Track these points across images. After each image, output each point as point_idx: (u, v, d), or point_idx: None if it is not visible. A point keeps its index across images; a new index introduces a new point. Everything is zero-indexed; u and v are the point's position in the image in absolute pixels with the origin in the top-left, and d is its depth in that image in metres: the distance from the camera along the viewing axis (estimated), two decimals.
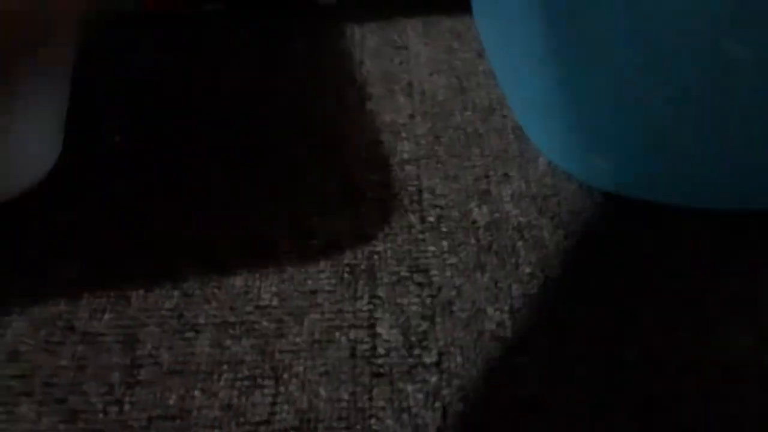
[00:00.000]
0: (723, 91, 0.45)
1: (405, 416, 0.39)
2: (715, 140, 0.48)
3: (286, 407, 0.39)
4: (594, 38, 0.46)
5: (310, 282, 0.46)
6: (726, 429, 0.39)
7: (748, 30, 0.42)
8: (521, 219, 0.51)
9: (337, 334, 0.43)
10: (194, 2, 0.75)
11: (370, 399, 0.40)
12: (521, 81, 0.56)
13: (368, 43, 0.71)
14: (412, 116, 0.61)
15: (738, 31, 0.43)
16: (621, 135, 0.50)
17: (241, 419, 0.39)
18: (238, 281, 0.46)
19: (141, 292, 0.45)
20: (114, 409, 0.39)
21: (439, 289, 0.46)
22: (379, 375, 0.41)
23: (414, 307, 0.45)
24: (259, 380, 0.40)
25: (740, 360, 0.42)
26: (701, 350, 0.42)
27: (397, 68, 0.67)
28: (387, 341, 0.43)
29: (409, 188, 0.54)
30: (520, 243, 0.49)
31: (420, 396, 0.40)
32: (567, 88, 0.50)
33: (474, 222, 0.51)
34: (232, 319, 0.43)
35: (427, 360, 0.42)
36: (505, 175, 0.55)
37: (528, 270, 0.47)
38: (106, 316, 0.44)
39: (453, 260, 0.48)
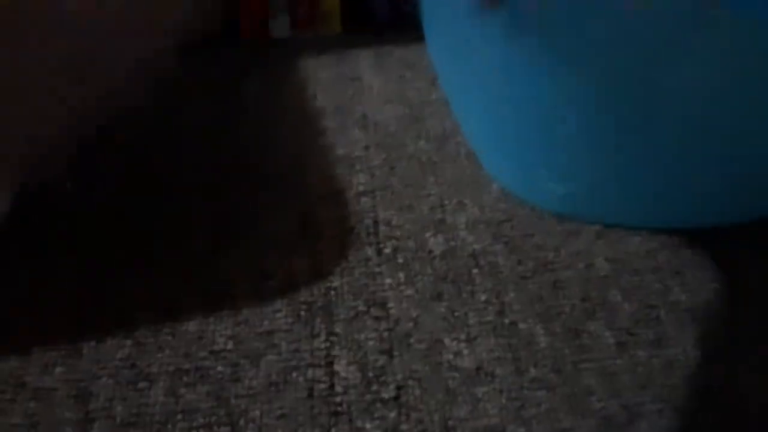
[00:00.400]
0: (664, 116, 0.46)
1: None
2: (663, 163, 0.49)
3: None
4: (544, 66, 0.47)
5: (266, 322, 0.46)
6: None
7: (683, 59, 0.44)
8: (476, 246, 0.51)
9: (295, 374, 0.42)
10: None
11: None
12: (474, 108, 0.56)
13: (322, 76, 0.72)
14: (366, 148, 0.62)
15: (674, 59, 0.44)
16: (573, 159, 0.50)
17: None
18: (192, 326, 0.45)
19: (93, 343, 0.44)
20: None
21: (397, 321, 0.46)
22: (337, 414, 0.40)
23: (371, 342, 0.44)
24: (215, 428, 0.40)
25: (693, 374, 0.42)
26: (657, 367, 0.43)
27: (350, 100, 0.68)
28: (345, 379, 0.42)
29: (365, 221, 0.54)
30: (475, 270, 0.49)
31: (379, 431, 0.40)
32: (518, 115, 0.51)
33: (430, 251, 0.51)
34: (186, 365, 0.43)
35: (386, 395, 0.41)
36: (460, 202, 0.55)
37: (484, 297, 0.47)
38: (58, 369, 0.43)
39: (410, 291, 0.48)
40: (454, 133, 0.62)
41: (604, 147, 0.49)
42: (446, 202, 0.55)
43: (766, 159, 0.48)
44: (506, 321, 0.45)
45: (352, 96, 0.68)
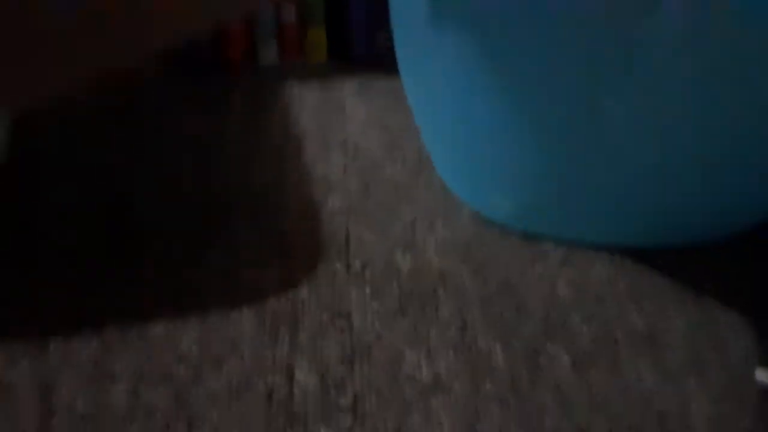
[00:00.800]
0: (602, 137, 0.48)
1: None
2: (614, 181, 0.50)
3: None
4: (492, 90, 0.49)
5: (232, 329, 0.47)
6: None
7: (620, 82, 0.46)
8: (443, 266, 0.52)
9: (255, 379, 0.43)
10: (137, 73, 0.77)
11: None
12: (437, 134, 0.58)
13: (307, 103, 0.74)
14: (344, 170, 0.63)
15: (612, 82, 0.46)
16: (521, 176, 0.52)
17: None
18: (158, 329, 0.46)
19: (60, 339, 0.45)
20: None
21: (360, 333, 0.47)
22: (293, 419, 0.41)
23: (333, 352, 0.45)
24: (173, 428, 0.40)
25: (646, 398, 0.43)
26: (610, 389, 0.43)
27: (332, 125, 0.70)
28: (304, 386, 0.43)
29: (337, 238, 0.55)
30: (441, 289, 0.50)
31: None
32: (471, 136, 0.53)
33: (397, 269, 0.52)
34: (150, 366, 0.44)
35: (343, 403, 0.42)
36: (430, 225, 0.57)
37: (447, 314, 0.48)
38: (23, 363, 0.43)
39: (375, 306, 0.49)
40: (429, 160, 0.64)
41: (550, 163, 0.51)
42: (417, 224, 0.57)
43: (717, 178, 0.50)
44: (467, 338, 0.46)
45: (335, 121, 0.70)
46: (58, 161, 0.63)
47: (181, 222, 0.56)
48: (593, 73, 0.46)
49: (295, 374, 0.44)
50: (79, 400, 0.41)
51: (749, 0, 0.43)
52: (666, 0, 0.43)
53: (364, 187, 0.61)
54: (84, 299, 0.49)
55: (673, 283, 0.51)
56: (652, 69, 0.45)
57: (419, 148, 0.65)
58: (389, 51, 0.59)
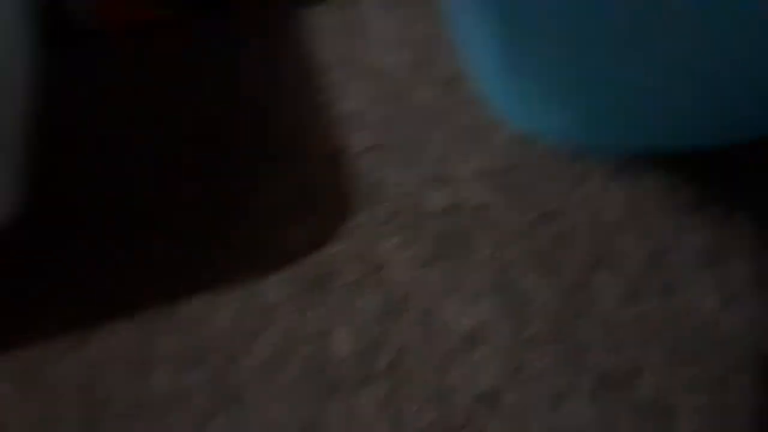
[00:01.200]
0: (664, 36, 0.43)
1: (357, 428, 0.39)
2: (661, 82, 0.45)
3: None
4: None
5: (262, 300, 0.46)
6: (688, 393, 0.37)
7: None
8: (479, 200, 0.49)
9: (291, 351, 0.42)
10: (145, 13, 0.74)
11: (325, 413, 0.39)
12: (482, 43, 0.53)
13: (325, 27, 0.69)
14: (369, 101, 0.60)
15: None
16: (570, 84, 0.47)
17: None
18: (193, 308, 0.46)
19: (104, 328, 0.46)
20: None
21: (394, 286, 0.45)
22: (332, 387, 0.40)
23: (368, 309, 0.44)
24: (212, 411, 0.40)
25: (704, 324, 0.40)
26: (663, 317, 0.40)
27: (354, 50, 0.65)
28: (340, 350, 0.42)
29: (366, 181, 0.52)
30: (477, 227, 0.47)
31: (372, 404, 0.39)
32: (524, 44, 0.48)
33: (430, 210, 0.49)
34: (188, 347, 0.44)
35: (381, 365, 0.41)
36: (465, 153, 0.53)
37: (486, 253, 0.46)
38: (66, 358, 0.44)
39: (408, 254, 0.47)
40: (461, 78, 0.59)
41: (600, 68, 0.46)
42: (450, 155, 0.53)
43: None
44: (506, 279, 0.44)
45: (356, 44, 0.66)
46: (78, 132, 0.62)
47: (206, 183, 0.55)
48: None
49: (332, 339, 0.43)
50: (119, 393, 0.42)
51: None
52: None
53: (391, 118, 0.57)
54: (119, 277, 0.49)
55: (734, 191, 0.46)
56: None
57: (449, 65, 0.61)
58: None
